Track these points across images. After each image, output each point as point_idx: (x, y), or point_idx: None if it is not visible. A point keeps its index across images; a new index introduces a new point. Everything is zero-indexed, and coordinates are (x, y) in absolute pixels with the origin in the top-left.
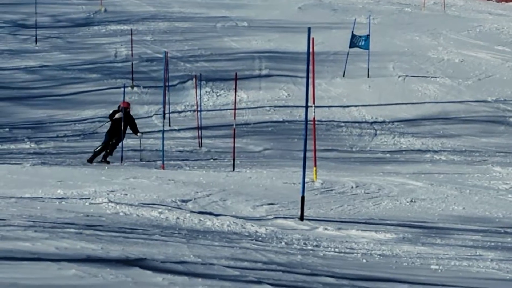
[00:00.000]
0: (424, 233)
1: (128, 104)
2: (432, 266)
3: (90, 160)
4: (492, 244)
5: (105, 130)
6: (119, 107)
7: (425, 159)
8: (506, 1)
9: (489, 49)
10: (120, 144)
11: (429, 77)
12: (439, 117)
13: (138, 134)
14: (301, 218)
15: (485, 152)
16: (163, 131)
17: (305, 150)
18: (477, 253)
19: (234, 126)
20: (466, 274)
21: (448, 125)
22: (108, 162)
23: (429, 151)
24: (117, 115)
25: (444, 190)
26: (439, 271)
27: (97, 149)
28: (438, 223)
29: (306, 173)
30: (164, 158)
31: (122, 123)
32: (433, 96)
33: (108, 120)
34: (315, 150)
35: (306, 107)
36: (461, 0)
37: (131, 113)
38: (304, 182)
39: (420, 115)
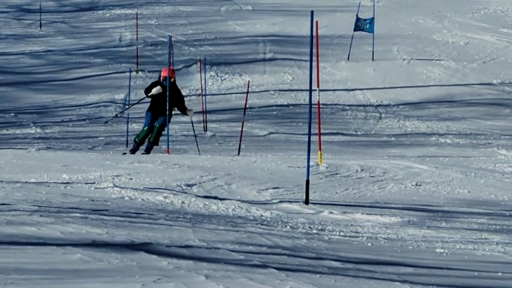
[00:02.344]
0: (429, 217)
1: (173, 71)
2: (438, 250)
3: (133, 152)
4: (498, 227)
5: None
6: (159, 77)
7: (430, 142)
8: None
9: (494, 32)
10: (166, 129)
11: (434, 60)
12: (444, 100)
13: (189, 111)
14: (306, 202)
15: (490, 135)
16: (167, 116)
17: (309, 134)
18: (483, 237)
19: (245, 112)
20: (471, 257)
21: (453, 108)
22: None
23: (434, 134)
24: (154, 90)
25: (449, 173)
26: (444, 254)
27: (138, 137)
28: (444, 206)
29: (311, 157)
30: (169, 143)
31: (166, 99)
32: (438, 79)
33: (144, 97)
34: (320, 134)
35: (310, 90)
36: None
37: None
38: (309, 166)
39: (425, 98)
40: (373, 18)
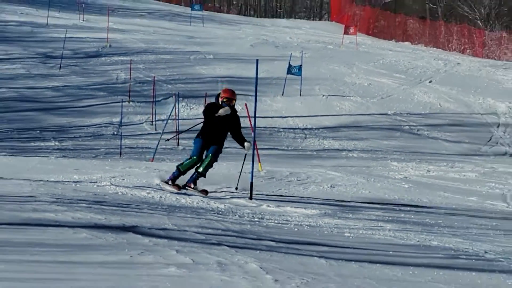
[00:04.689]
0: (340, 210)
1: (233, 93)
2: (346, 234)
3: (174, 181)
4: (390, 218)
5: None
6: (217, 98)
7: (342, 156)
8: (402, 41)
9: (389, 76)
10: (216, 159)
11: (345, 96)
12: (352, 125)
13: (246, 144)
14: (250, 198)
15: (385, 151)
16: (157, 134)
17: (253, 148)
18: (379, 225)
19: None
20: (370, 240)
21: (359, 131)
22: (196, 189)
23: (345, 150)
24: (222, 111)
25: (355, 179)
26: (351, 237)
27: (182, 166)
28: (351, 202)
29: (255, 165)
30: (152, 154)
31: (223, 124)
32: (348, 110)
33: (203, 119)
34: (257, 149)
35: (255, 117)
36: (369, 40)
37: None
38: (252, 172)
39: (338, 123)
40: (301, 65)
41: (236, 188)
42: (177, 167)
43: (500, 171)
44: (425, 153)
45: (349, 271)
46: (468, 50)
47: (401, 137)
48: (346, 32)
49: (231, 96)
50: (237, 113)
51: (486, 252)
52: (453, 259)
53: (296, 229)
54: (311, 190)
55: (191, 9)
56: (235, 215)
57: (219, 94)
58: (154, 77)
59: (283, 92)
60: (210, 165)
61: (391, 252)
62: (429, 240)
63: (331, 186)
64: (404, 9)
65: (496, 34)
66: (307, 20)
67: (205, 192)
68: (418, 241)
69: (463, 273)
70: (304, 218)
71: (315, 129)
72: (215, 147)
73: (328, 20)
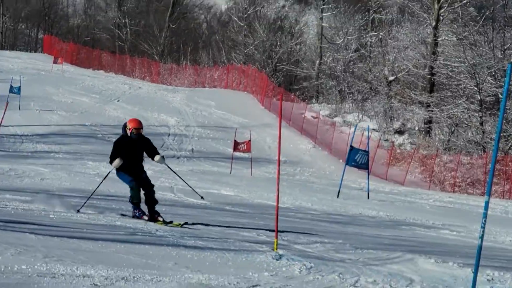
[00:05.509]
0: (47, 197)
1: (139, 122)
2: (51, 216)
3: (143, 214)
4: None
5: None
6: (124, 129)
7: (50, 156)
8: (97, 70)
9: (87, 96)
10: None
11: (53, 110)
12: (59, 133)
13: (156, 157)
14: None
15: (84, 153)
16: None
17: None
18: (71, 211)
19: None
20: (70, 220)
21: (64, 138)
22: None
23: (53, 152)
24: (114, 164)
25: (60, 174)
26: (55, 218)
27: (133, 198)
28: (56, 191)
29: None
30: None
31: (138, 153)
32: (56, 121)
33: (110, 171)
34: None
35: None
36: (72, 68)
37: None
38: None
39: (48, 131)
40: (20, 86)
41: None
42: (130, 202)
43: (168, 170)
44: None
45: (53, 243)
46: (147, 77)
47: (95, 143)
48: (55, 61)
49: (138, 126)
50: (146, 137)
51: (157, 230)
52: (132, 235)
53: (13, 212)
54: (25, 182)
55: None
56: None
57: (125, 125)
58: None
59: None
60: (153, 191)
61: (85, 230)
62: (114, 221)
63: (41, 179)
64: (99, 45)
65: (168, 66)
66: (26, 52)
67: (180, 224)
68: (106, 221)
69: (139, 246)
70: (20, 203)
71: (30, 135)
72: (144, 179)
73: (42, 52)
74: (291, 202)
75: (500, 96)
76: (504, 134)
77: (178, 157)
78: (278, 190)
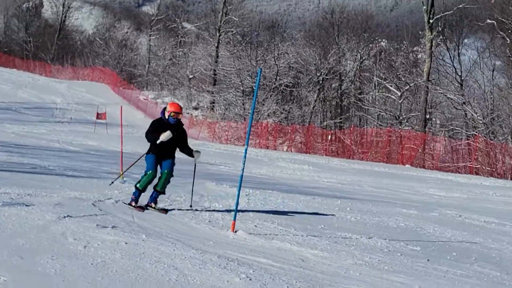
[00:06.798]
0: None
1: (180, 107)
2: None
3: (136, 202)
4: None
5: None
6: (163, 113)
7: None
8: (12, 68)
9: (6, 84)
10: (172, 173)
11: None
12: None
13: (195, 153)
14: None
15: (4, 119)
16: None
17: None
18: None
19: None
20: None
21: None
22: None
23: None
24: (162, 137)
25: None
26: None
27: (140, 183)
28: None
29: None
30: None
31: (173, 139)
32: None
33: (143, 155)
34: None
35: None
36: None
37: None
38: None
39: None
40: None
41: (191, 206)
42: (136, 186)
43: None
44: None
45: None
46: (43, 74)
47: (11, 113)
48: None
49: (178, 111)
50: (183, 127)
51: (49, 165)
52: (33, 169)
53: None
54: None
55: None
56: None
57: (165, 108)
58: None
59: None
60: (167, 181)
61: (5, 166)
62: (23, 160)
63: None
64: (14, 53)
65: (56, 67)
66: None
67: (164, 211)
68: (17, 160)
69: (39, 175)
70: None
71: None
72: (169, 162)
73: None
74: (131, 149)
75: (253, 87)
76: (256, 110)
77: (62, 122)
78: (122, 142)
